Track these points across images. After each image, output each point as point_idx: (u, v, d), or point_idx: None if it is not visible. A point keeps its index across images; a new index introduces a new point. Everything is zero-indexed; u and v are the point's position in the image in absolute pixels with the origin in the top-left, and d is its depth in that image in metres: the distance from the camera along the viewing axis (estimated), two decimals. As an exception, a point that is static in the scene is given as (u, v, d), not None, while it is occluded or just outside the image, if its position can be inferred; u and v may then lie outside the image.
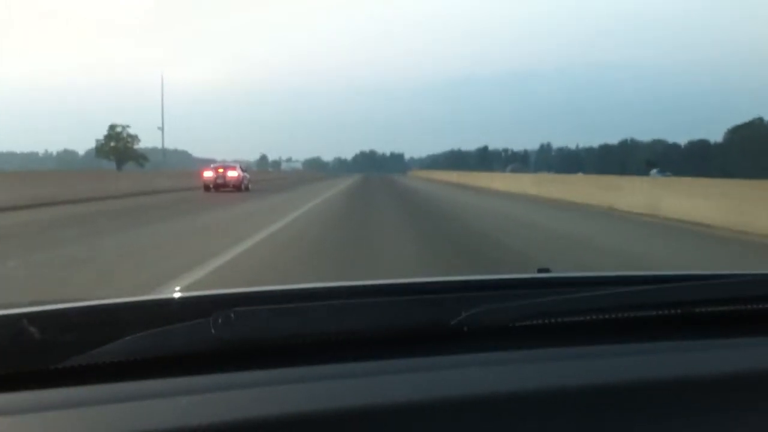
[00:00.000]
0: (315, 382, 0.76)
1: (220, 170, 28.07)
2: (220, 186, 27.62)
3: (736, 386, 0.78)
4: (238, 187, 27.83)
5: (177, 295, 0.99)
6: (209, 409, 0.69)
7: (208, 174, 28.13)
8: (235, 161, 32.02)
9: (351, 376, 0.79)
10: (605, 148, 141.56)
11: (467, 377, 0.78)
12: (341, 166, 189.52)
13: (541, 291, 1.02)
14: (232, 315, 0.82)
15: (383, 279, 1.17)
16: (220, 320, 0.81)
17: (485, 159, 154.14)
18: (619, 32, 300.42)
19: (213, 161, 32.38)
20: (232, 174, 27.95)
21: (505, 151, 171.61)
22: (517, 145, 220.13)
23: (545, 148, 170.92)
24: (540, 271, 1.25)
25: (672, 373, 0.79)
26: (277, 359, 0.81)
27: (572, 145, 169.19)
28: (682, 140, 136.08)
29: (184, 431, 0.65)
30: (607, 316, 0.93)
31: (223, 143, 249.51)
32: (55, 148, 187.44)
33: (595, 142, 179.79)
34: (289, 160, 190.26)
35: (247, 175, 30.14)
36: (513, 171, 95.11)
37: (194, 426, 0.65)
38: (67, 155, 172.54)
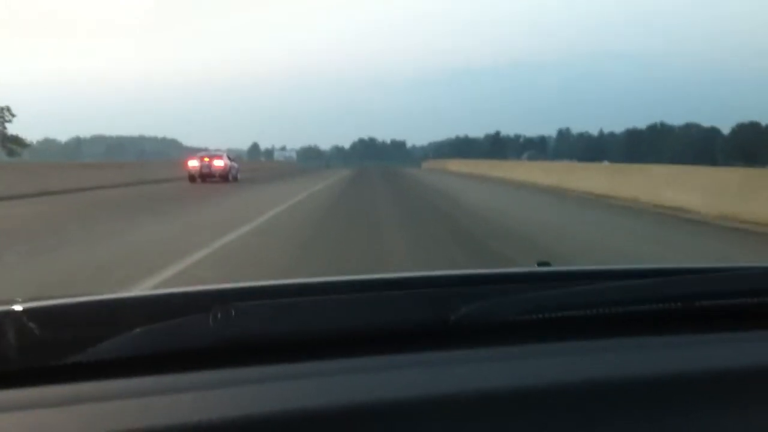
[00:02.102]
0: (314, 377, 0.79)
1: (206, 159, 27.60)
2: (205, 176, 27.19)
3: (738, 381, 0.80)
4: (225, 177, 27.38)
5: (176, 290, 1.02)
6: (208, 406, 0.71)
7: (192, 163, 27.68)
8: (223, 150, 31.57)
9: (351, 371, 0.81)
10: (633, 134, 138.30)
11: (467, 372, 0.80)
12: (339, 155, 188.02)
13: (541, 285, 1.05)
14: (231, 310, 0.85)
15: (383, 274, 1.19)
16: (219, 315, 0.84)
17: (497, 146, 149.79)
18: (632, 18, 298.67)
19: (204, 150, 32.00)
20: (218, 163, 27.48)
21: (518, 137, 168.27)
22: (531, 130, 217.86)
23: (564, 134, 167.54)
24: (540, 264, 1.26)
25: (674, 367, 0.82)
26: (276, 355, 0.83)
27: (593, 131, 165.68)
28: (723, 124, 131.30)
29: (184, 427, 0.67)
30: (608, 310, 0.95)
31: (215, 132, 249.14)
32: (35, 137, 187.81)
33: (619, 127, 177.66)
34: (283, 148, 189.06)
35: (236, 165, 29.62)
36: (530, 158, 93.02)
37: (194, 422, 0.67)
38: (48, 143, 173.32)
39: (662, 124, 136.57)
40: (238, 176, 29.28)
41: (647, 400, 0.75)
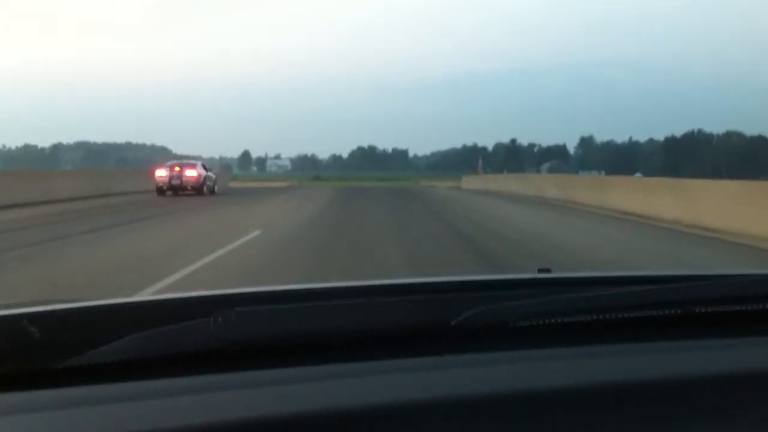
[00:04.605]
0: (315, 382, 0.82)
1: (176, 169, 24.89)
2: (176, 188, 24.53)
3: (737, 386, 0.85)
4: (199, 189, 24.70)
5: (177, 295, 1.06)
6: (209, 409, 0.74)
7: (160, 173, 24.95)
8: (203, 158, 29.16)
9: (351, 375, 0.85)
10: (669, 142, 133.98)
11: (468, 377, 0.84)
12: (336, 164, 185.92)
13: (541, 291, 1.11)
14: (233, 315, 0.89)
15: (384, 279, 1.23)
16: (220, 320, 0.88)
17: (513, 156, 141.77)
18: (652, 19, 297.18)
19: (194, 158, 29.63)
20: (191, 173, 24.77)
21: (533, 146, 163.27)
22: (546, 139, 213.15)
23: (587, 143, 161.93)
24: (540, 271, 1.32)
25: (672, 373, 0.86)
26: (277, 359, 0.87)
27: (618, 139, 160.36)
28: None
29: (185, 430, 0.70)
30: (607, 316, 1.00)
31: (207, 139, 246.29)
32: (14, 143, 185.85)
33: (644, 135, 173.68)
34: (277, 157, 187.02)
35: (212, 175, 27.00)
36: (551, 170, 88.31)
37: (194, 426, 0.71)
38: (27, 150, 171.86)
39: (700, 132, 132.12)
40: (216, 188, 26.69)
41: (647, 405, 0.80)
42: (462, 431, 0.75)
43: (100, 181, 25.41)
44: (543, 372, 0.85)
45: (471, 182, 45.68)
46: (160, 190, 24.44)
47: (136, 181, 27.48)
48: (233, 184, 37.97)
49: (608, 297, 1.03)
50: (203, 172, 25.43)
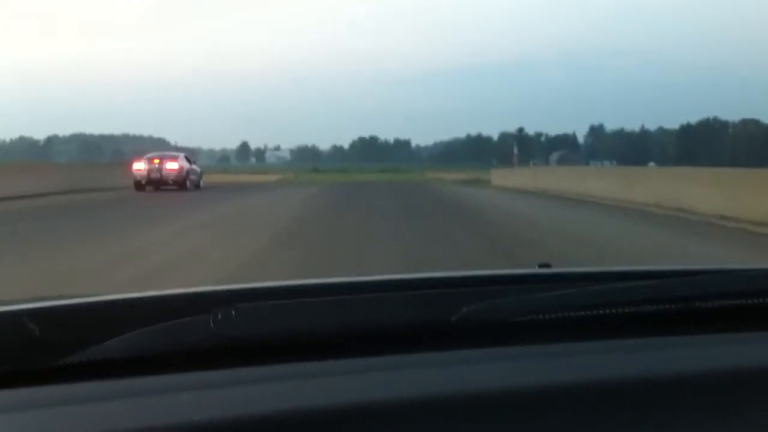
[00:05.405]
0: (316, 378, 0.83)
1: (155, 161, 22.97)
2: (156, 182, 22.60)
3: (739, 382, 0.85)
4: (181, 184, 22.78)
5: (177, 291, 1.07)
6: (209, 406, 0.75)
7: (138, 166, 23.06)
8: (182, 149, 27.15)
9: (351, 372, 0.86)
10: (685, 130, 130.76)
11: (468, 373, 0.85)
12: (337, 155, 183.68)
13: (542, 286, 1.12)
14: (233, 311, 0.89)
15: (384, 275, 1.26)
16: (220, 316, 0.88)
17: (520, 146, 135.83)
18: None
19: (189, 149, 27.69)
20: (172, 166, 22.88)
21: (540, 135, 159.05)
22: (553, 128, 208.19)
23: (597, 132, 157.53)
24: (541, 266, 1.33)
25: (674, 368, 0.87)
26: (277, 356, 0.88)
27: (630, 127, 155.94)
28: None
29: (185, 428, 0.71)
30: (609, 312, 1.00)
31: (206, 130, 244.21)
32: (9, 135, 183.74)
33: (653, 124, 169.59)
34: (276, 148, 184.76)
35: (197, 168, 25.05)
36: (561, 161, 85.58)
37: (194, 422, 0.71)
38: (22, 142, 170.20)
39: (716, 120, 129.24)
40: (201, 183, 24.69)
41: (648, 401, 0.80)
42: (463, 428, 0.76)
43: (83, 176, 23.86)
44: (544, 368, 0.86)
45: (505, 178, 33.77)
46: (139, 185, 22.69)
47: (121, 175, 25.56)
48: (216, 179, 34.38)
49: (610, 292, 1.02)
50: (186, 165, 23.59)
